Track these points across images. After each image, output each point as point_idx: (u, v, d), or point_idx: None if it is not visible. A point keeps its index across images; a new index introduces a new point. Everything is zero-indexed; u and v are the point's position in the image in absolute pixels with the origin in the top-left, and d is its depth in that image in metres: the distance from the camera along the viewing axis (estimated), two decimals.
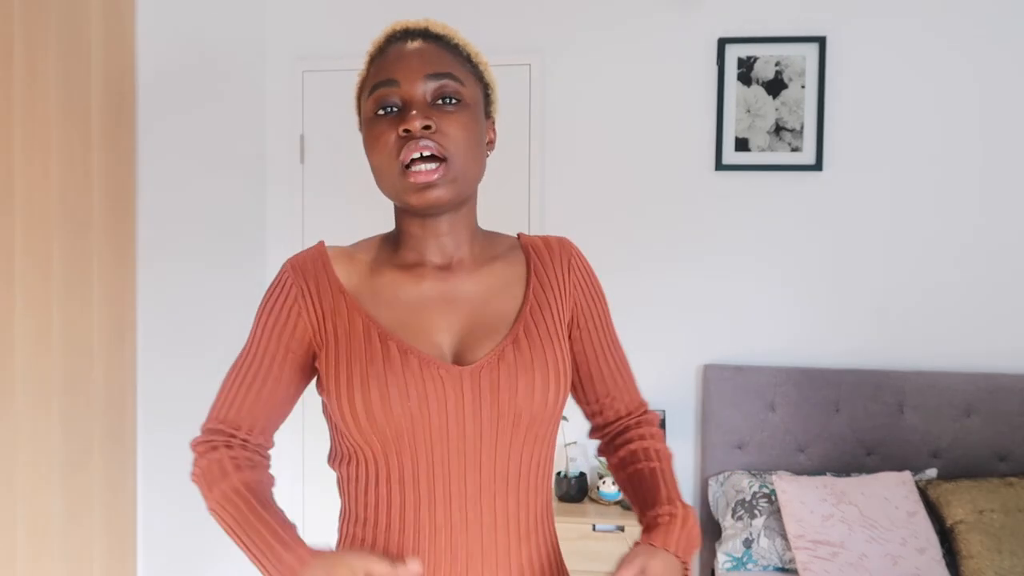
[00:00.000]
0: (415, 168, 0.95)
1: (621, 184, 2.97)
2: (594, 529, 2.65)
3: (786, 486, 2.53)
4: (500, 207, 2.51)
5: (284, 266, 1.06)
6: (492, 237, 1.12)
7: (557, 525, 1.12)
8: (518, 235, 1.15)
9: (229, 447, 1.03)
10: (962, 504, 2.44)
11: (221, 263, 2.75)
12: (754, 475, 2.71)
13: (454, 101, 0.98)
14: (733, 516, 2.62)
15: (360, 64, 1.07)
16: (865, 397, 2.76)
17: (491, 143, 1.07)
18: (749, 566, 2.56)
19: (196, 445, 1.04)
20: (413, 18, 1.05)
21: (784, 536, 2.51)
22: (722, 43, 2.88)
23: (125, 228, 2.20)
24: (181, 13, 2.48)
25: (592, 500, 2.83)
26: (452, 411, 0.97)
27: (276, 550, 0.94)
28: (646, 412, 1.17)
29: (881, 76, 2.85)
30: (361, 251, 1.08)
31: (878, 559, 2.35)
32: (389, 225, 1.12)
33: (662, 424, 2.75)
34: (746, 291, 2.92)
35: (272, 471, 1.07)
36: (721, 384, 2.84)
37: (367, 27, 1.52)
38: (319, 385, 1.03)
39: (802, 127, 2.86)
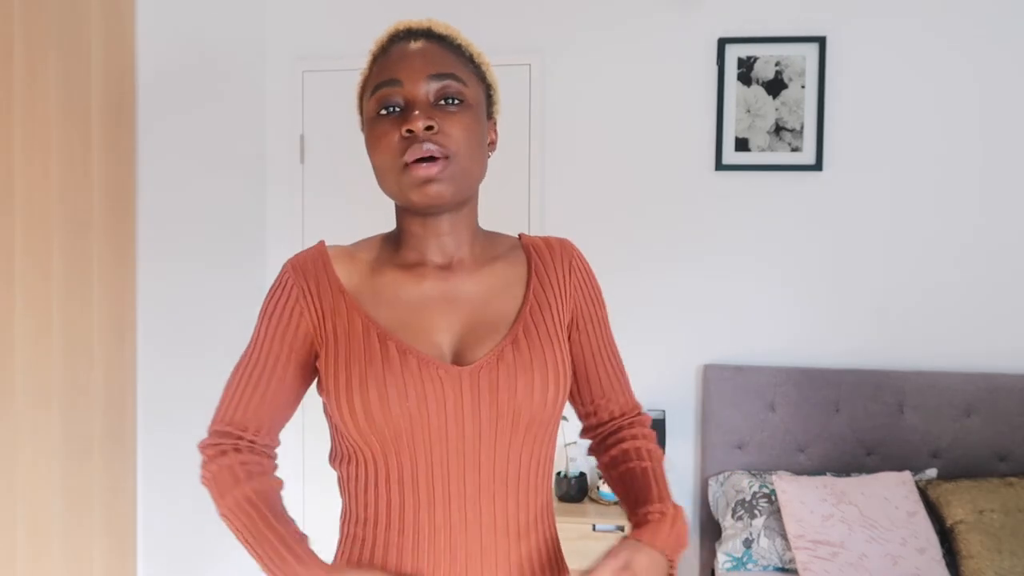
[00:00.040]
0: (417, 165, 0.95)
1: (621, 184, 2.97)
2: (594, 529, 2.65)
3: (786, 486, 2.53)
4: (500, 207, 2.51)
5: (285, 266, 1.06)
6: (493, 237, 1.12)
7: (557, 525, 1.12)
8: (519, 235, 1.15)
9: (238, 451, 1.03)
10: (962, 504, 2.44)
11: (221, 263, 2.75)
12: (754, 475, 2.71)
13: (457, 102, 0.98)
14: (733, 516, 2.62)
15: (360, 64, 1.07)
16: (865, 397, 2.76)
17: (492, 144, 1.07)
18: (749, 566, 2.56)
19: (205, 448, 1.04)
20: (415, 18, 1.05)
21: (784, 536, 2.51)
22: (722, 43, 2.88)
23: (125, 228, 2.20)
24: (181, 13, 2.48)
25: (592, 500, 2.83)
26: (451, 411, 0.97)
27: (290, 564, 0.96)
28: (639, 414, 1.18)
29: (881, 76, 2.85)
30: (362, 250, 1.08)
31: (878, 559, 2.35)
32: (389, 225, 1.12)
33: (662, 424, 2.78)
34: (746, 291, 2.92)
35: (278, 473, 1.08)
36: (721, 384, 2.84)
37: (367, 27, 1.52)
38: (319, 385, 1.03)
39: (802, 127, 2.86)
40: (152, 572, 2.31)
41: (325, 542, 1.13)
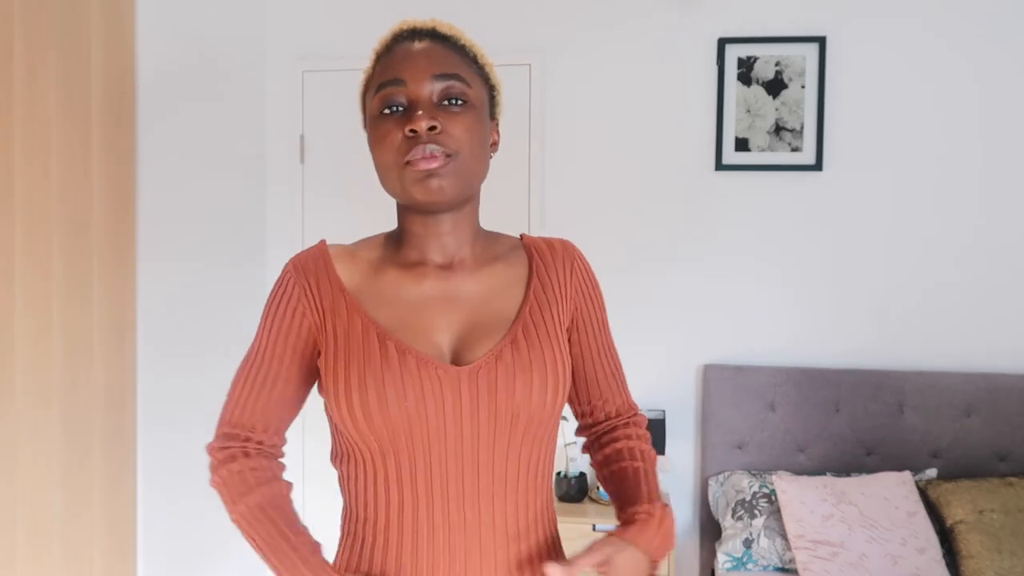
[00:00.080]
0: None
1: (621, 184, 2.97)
2: (594, 529, 2.65)
3: (786, 486, 2.53)
4: (500, 207, 2.51)
5: (286, 266, 1.06)
6: (494, 237, 1.12)
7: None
8: (521, 236, 1.15)
9: (247, 455, 1.03)
10: (962, 504, 2.45)
11: (221, 263, 2.75)
12: (754, 475, 2.71)
13: (460, 102, 0.98)
14: (733, 516, 2.62)
15: (360, 63, 1.07)
16: (865, 397, 2.76)
17: (495, 145, 1.08)
18: (749, 566, 2.56)
19: (213, 451, 1.05)
20: (417, 18, 1.05)
21: (784, 536, 2.51)
22: (722, 43, 2.88)
23: (125, 228, 2.19)
24: (181, 13, 2.48)
25: (592, 500, 2.83)
26: (449, 411, 0.97)
27: (304, 575, 0.97)
28: (635, 414, 1.18)
29: (881, 76, 2.85)
30: (363, 249, 1.08)
31: (878, 559, 2.35)
32: (389, 225, 1.12)
33: (662, 424, 2.78)
34: (746, 291, 2.92)
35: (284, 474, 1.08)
36: (721, 384, 2.84)
37: (367, 27, 1.52)
38: (319, 384, 1.04)
39: (802, 127, 2.86)
40: (152, 572, 2.31)
41: (325, 543, 1.13)
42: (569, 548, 1.23)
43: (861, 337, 2.87)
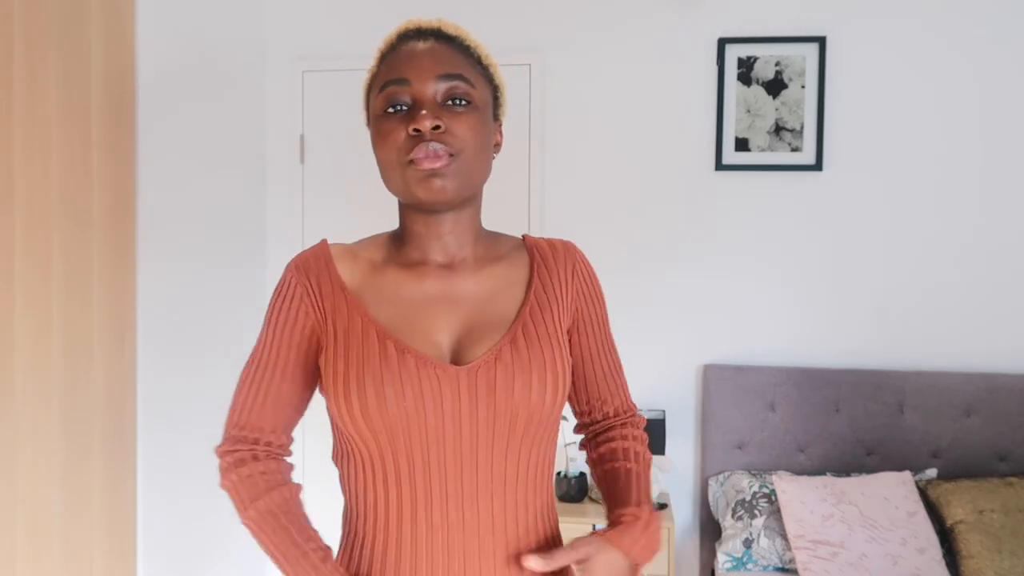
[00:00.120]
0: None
1: (621, 184, 2.97)
2: (594, 529, 2.64)
3: (786, 486, 2.53)
4: (500, 207, 2.50)
5: (288, 266, 1.06)
6: (496, 238, 1.12)
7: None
8: (523, 236, 1.15)
9: (256, 458, 1.03)
10: (962, 504, 2.45)
11: (221, 263, 2.75)
12: (754, 475, 2.71)
13: (464, 102, 0.99)
14: (733, 516, 2.62)
15: (360, 63, 1.07)
16: (865, 397, 2.76)
17: (497, 145, 1.08)
18: (749, 566, 2.56)
19: (223, 455, 1.04)
20: (421, 17, 1.05)
21: (784, 536, 2.51)
22: (722, 43, 2.88)
23: (125, 228, 2.19)
24: (181, 13, 2.48)
25: (592, 500, 2.83)
26: (448, 411, 0.97)
27: None
28: (634, 415, 1.18)
29: (881, 76, 2.85)
30: (365, 248, 1.08)
31: (878, 559, 2.35)
32: (389, 225, 1.12)
33: (662, 424, 2.78)
34: (746, 291, 2.92)
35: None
36: (721, 384, 2.84)
37: (367, 27, 1.52)
38: (320, 383, 1.04)
39: (802, 127, 2.86)
40: (152, 572, 2.31)
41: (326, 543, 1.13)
42: None
43: (861, 337, 2.87)
